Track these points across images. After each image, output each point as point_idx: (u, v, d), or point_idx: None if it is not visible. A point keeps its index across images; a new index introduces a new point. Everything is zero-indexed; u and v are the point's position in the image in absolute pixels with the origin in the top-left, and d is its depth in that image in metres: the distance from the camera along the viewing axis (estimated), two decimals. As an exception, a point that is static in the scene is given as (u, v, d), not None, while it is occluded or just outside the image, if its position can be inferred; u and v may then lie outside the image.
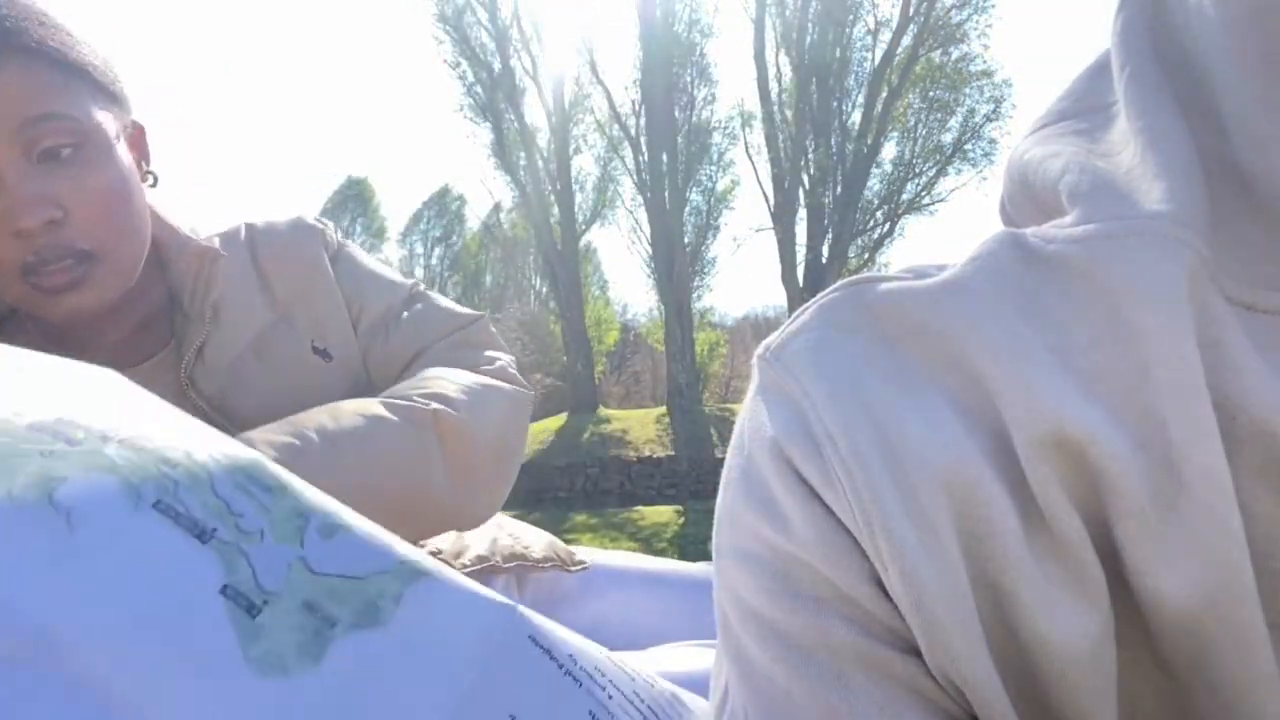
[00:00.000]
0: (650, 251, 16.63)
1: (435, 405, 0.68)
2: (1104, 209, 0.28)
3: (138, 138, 0.71)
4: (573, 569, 0.91)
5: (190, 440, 0.36)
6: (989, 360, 0.28)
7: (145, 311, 0.73)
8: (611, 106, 16.59)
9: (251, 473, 0.36)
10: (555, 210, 17.16)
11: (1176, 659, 0.26)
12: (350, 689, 0.30)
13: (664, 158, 15.82)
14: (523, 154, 16.90)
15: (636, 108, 16.35)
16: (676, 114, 15.85)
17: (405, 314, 0.81)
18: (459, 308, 0.84)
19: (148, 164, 0.71)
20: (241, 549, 0.32)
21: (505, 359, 0.80)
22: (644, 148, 16.18)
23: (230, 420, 0.70)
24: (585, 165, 17.90)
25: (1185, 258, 0.26)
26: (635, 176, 16.76)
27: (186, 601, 0.30)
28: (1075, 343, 0.27)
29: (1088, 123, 0.33)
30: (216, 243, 0.76)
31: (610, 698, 0.37)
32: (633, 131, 16.38)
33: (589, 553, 1.00)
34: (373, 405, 0.67)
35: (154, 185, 0.72)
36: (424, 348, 0.79)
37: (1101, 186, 0.29)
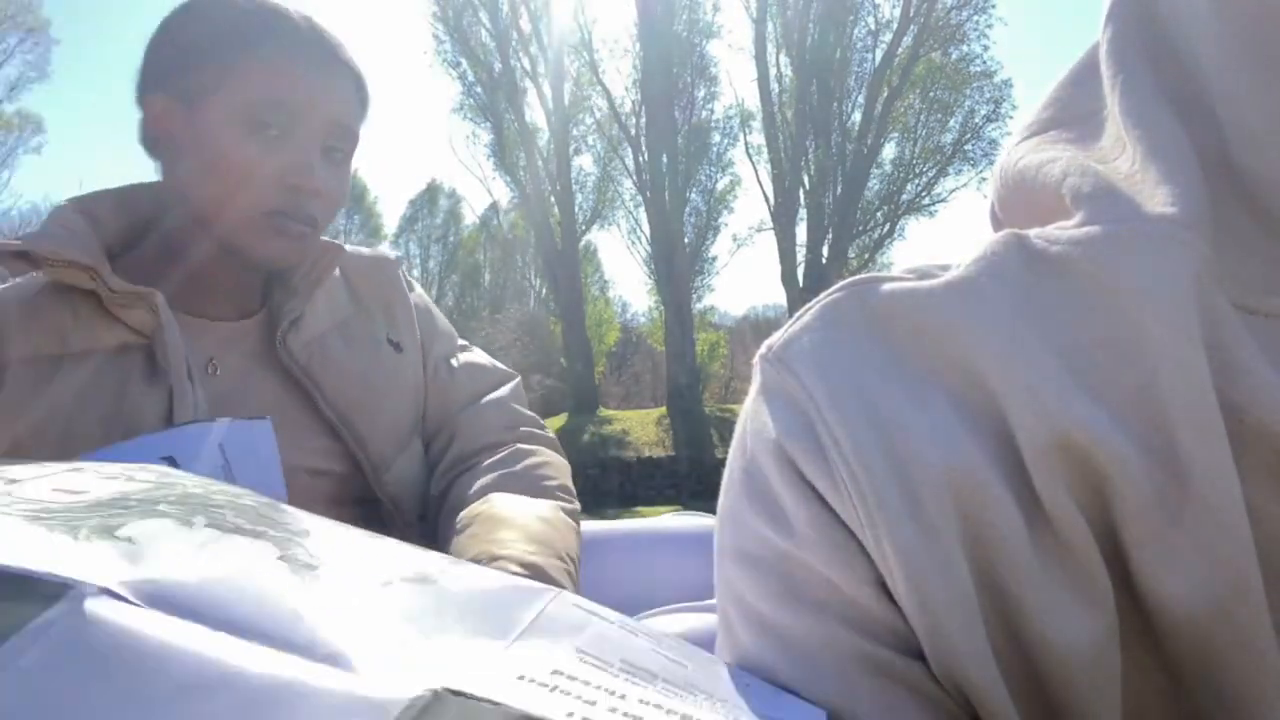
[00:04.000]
0: (650, 252, 16.64)
1: (575, 504, 0.85)
2: (1109, 211, 0.28)
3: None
4: None
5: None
6: (993, 362, 0.27)
7: (259, 281, 0.85)
8: (611, 107, 16.59)
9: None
10: (555, 210, 17.15)
11: (1182, 662, 0.26)
12: None
13: (664, 158, 15.82)
14: (522, 154, 16.90)
15: (636, 108, 16.35)
16: (676, 114, 15.85)
17: (464, 356, 0.96)
18: (497, 362, 0.99)
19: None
20: None
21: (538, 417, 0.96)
22: (644, 148, 16.17)
23: (312, 381, 0.81)
24: (585, 165, 17.90)
25: (1191, 260, 0.26)
26: (635, 177, 16.76)
27: None
28: (1080, 345, 0.27)
29: (1076, 131, 0.33)
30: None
31: None
32: (633, 132, 16.38)
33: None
34: (557, 512, 0.80)
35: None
36: (483, 394, 0.93)
37: (1105, 189, 0.29)
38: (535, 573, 0.69)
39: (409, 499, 0.86)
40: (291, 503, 0.81)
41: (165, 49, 0.77)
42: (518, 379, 0.99)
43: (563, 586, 0.64)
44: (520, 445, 0.88)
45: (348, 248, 0.93)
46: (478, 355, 0.98)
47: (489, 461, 0.86)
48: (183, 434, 0.65)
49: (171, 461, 0.62)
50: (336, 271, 0.89)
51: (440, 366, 0.93)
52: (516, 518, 0.75)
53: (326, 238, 0.90)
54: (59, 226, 0.73)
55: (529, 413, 0.95)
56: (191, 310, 0.79)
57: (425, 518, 0.87)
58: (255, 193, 0.74)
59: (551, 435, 0.94)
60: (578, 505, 0.85)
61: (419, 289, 0.98)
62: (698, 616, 0.82)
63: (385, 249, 1.00)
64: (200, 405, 0.73)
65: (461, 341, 0.99)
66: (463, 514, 0.78)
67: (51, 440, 0.69)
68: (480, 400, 0.93)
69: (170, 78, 0.76)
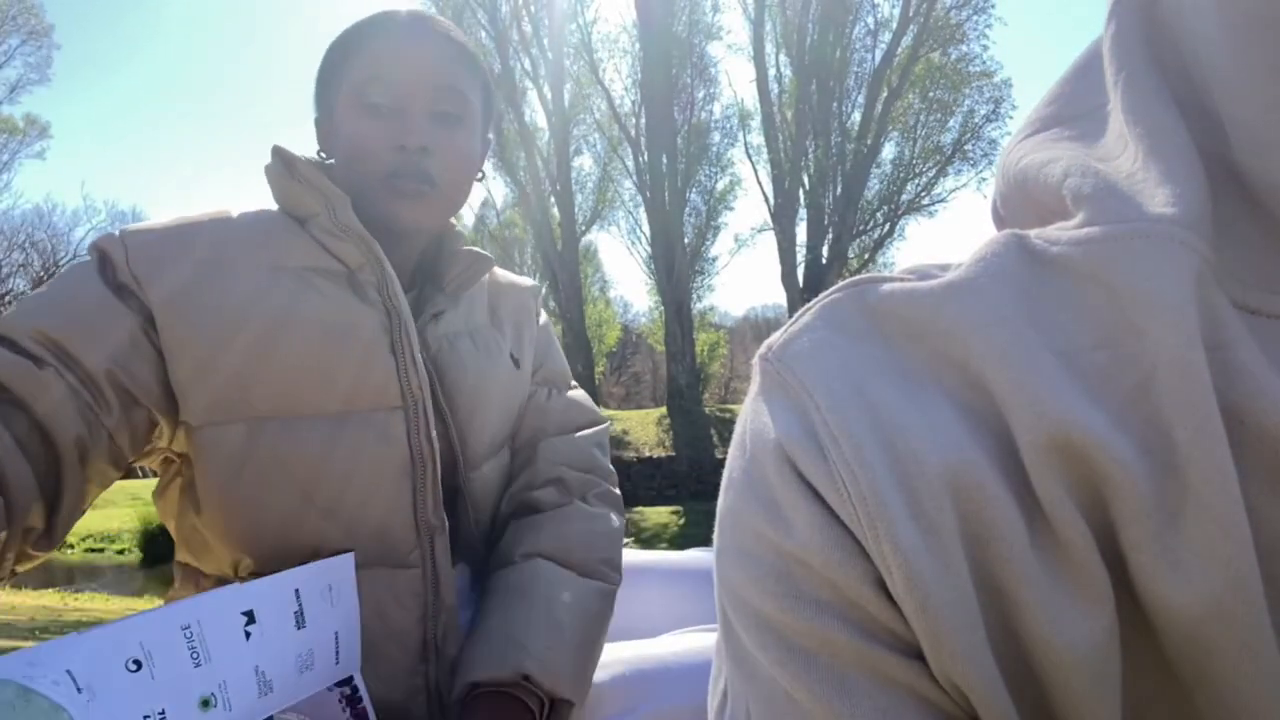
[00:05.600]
0: (650, 252, 16.62)
1: (615, 578, 0.91)
2: (1109, 211, 0.28)
3: (486, 147, 0.95)
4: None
5: None
6: (993, 363, 0.27)
7: (413, 260, 0.92)
8: (611, 107, 16.58)
9: None
10: (555, 210, 17.13)
11: (1182, 664, 0.26)
12: None
13: (664, 158, 15.81)
14: (522, 154, 16.88)
15: (636, 108, 16.34)
16: (676, 114, 15.84)
17: (570, 391, 1.05)
18: (596, 408, 1.07)
19: (482, 164, 0.93)
20: None
21: (613, 471, 1.03)
22: (644, 148, 16.17)
23: (436, 370, 0.87)
24: (585, 165, 17.88)
25: (1192, 261, 0.26)
26: (635, 177, 16.75)
27: None
28: (1080, 346, 0.27)
29: (1078, 128, 0.33)
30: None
31: None
32: (632, 132, 16.37)
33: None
34: (591, 596, 0.86)
35: (481, 179, 0.93)
36: (572, 429, 1.01)
37: (1106, 189, 0.29)
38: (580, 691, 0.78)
39: (486, 502, 0.92)
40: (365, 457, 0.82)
41: (317, 79, 0.89)
42: (606, 424, 1.06)
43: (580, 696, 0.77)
44: (581, 505, 0.94)
45: (498, 269, 1.03)
46: (580, 395, 1.06)
47: (550, 512, 0.92)
48: (259, 585, 0.68)
49: (250, 616, 0.66)
50: (485, 279, 0.99)
51: (542, 391, 1.01)
52: (553, 610, 0.82)
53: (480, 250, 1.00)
54: (311, 159, 0.86)
55: (606, 463, 1.01)
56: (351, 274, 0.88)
57: (494, 524, 0.94)
58: (372, 159, 0.82)
59: (617, 493, 1.00)
60: (617, 579, 0.90)
61: (545, 318, 1.08)
62: (698, 636, 0.90)
63: (526, 278, 1.11)
64: (409, 329, 0.81)
65: (572, 381, 1.08)
66: (504, 571, 0.86)
67: (270, 340, 0.76)
68: (567, 434, 1.00)
69: (319, 100, 0.89)
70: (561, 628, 0.80)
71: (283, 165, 0.84)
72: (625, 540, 0.97)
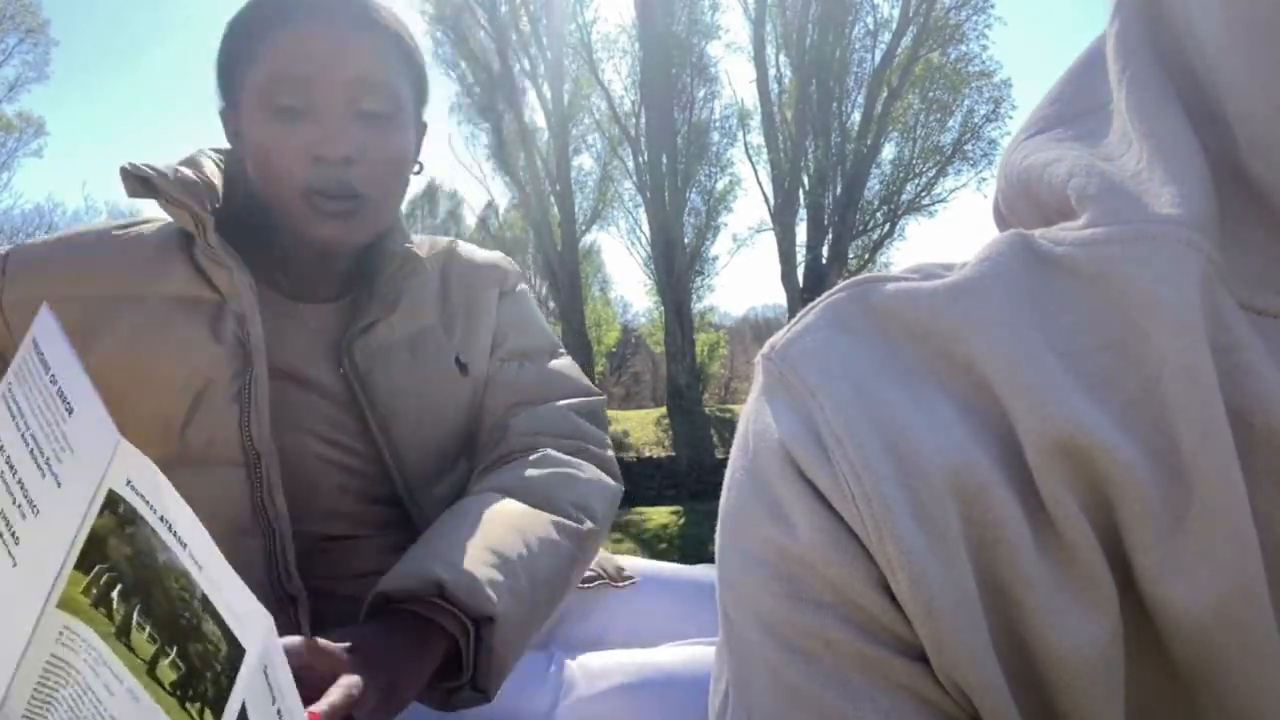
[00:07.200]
0: (650, 252, 16.61)
1: (587, 524, 0.78)
2: (1114, 212, 0.28)
3: (421, 134, 0.84)
4: (620, 585, 0.96)
5: None
6: (997, 364, 0.27)
7: (343, 266, 0.83)
8: (611, 106, 16.57)
9: None
10: (555, 210, 17.13)
11: (1186, 667, 0.26)
12: None
13: (664, 158, 15.80)
14: (522, 154, 16.87)
15: (636, 108, 16.33)
16: (676, 114, 15.83)
17: (551, 361, 0.92)
18: (587, 381, 0.95)
19: (418, 156, 0.83)
20: None
21: (607, 440, 0.91)
22: (644, 148, 16.16)
23: (365, 391, 0.79)
24: (585, 165, 17.88)
25: (1197, 262, 0.26)
26: (635, 177, 16.74)
27: None
28: (1085, 347, 0.27)
29: (1082, 127, 0.32)
30: (425, 248, 0.87)
31: None
32: (632, 132, 16.36)
33: (612, 557, 1.04)
34: (547, 527, 0.74)
35: (418, 173, 0.84)
36: (561, 397, 0.89)
37: (1111, 189, 0.28)
38: (469, 577, 0.65)
39: None
40: (320, 493, 0.76)
41: (217, 63, 0.78)
42: (600, 397, 0.93)
43: (497, 600, 0.63)
44: (555, 454, 0.82)
45: (464, 247, 0.93)
46: (564, 364, 0.93)
47: (515, 461, 0.81)
48: None
49: None
50: (436, 271, 0.88)
51: (510, 365, 0.89)
52: (490, 529, 0.70)
53: (435, 240, 0.90)
54: (182, 173, 0.75)
55: (597, 431, 0.89)
56: (278, 287, 0.80)
57: None
58: (285, 175, 0.72)
59: (610, 456, 0.88)
60: (589, 525, 0.78)
61: (521, 287, 0.95)
62: (699, 648, 0.87)
63: (503, 259, 0.97)
64: (261, 378, 0.72)
65: (560, 350, 0.96)
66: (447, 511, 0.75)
67: (122, 369, 0.70)
68: (548, 403, 0.88)
69: (222, 88, 0.78)
70: (497, 546, 0.68)
71: (141, 187, 0.72)
72: (625, 541, 0.94)
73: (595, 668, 0.82)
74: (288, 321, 0.79)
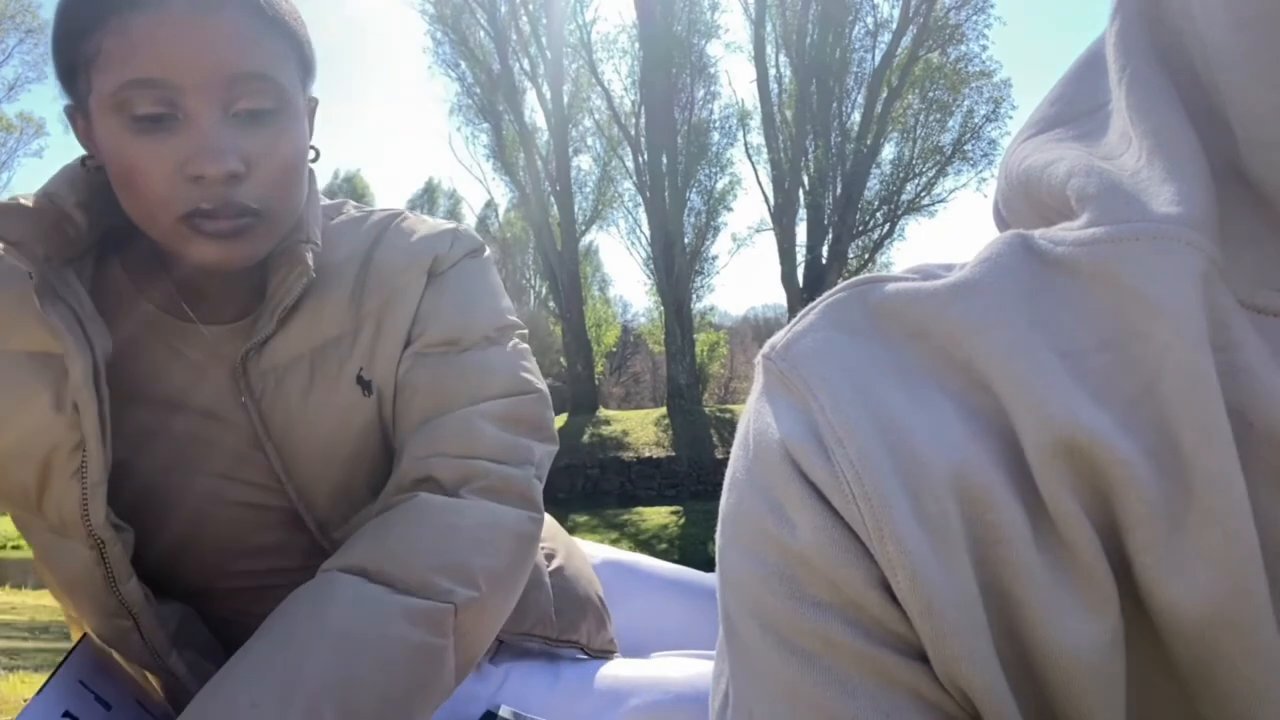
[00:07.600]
0: (650, 252, 16.62)
1: (462, 595, 0.62)
2: (1114, 212, 0.28)
3: (311, 112, 0.71)
4: (591, 656, 0.85)
5: None
6: (997, 364, 0.27)
7: (250, 280, 0.71)
8: (611, 107, 16.58)
9: None
10: (555, 210, 17.14)
11: (1186, 668, 0.26)
12: None
13: (663, 158, 15.81)
14: (522, 154, 16.88)
15: (636, 108, 16.34)
16: (676, 114, 15.84)
17: (483, 351, 0.74)
18: (529, 373, 0.76)
19: (312, 138, 0.70)
20: None
21: (540, 450, 0.74)
22: (643, 148, 16.17)
23: (263, 419, 0.69)
24: (585, 165, 17.88)
25: (1198, 261, 0.26)
26: (635, 177, 16.75)
27: None
28: (1085, 347, 0.27)
29: (1082, 127, 0.32)
30: (350, 234, 0.75)
31: None
32: (632, 132, 16.37)
33: (617, 553, 1.01)
34: (394, 626, 0.59)
35: (315, 160, 0.72)
36: (482, 398, 0.71)
37: (1110, 189, 0.28)
38: None
39: None
40: (242, 540, 0.72)
41: (53, 52, 0.63)
42: (532, 394, 0.74)
43: None
44: (430, 498, 0.66)
45: (408, 222, 0.77)
46: (499, 354, 0.74)
47: (390, 510, 0.66)
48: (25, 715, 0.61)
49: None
50: (355, 265, 0.73)
51: (423, 362, 0.72)
52: (310, 643, 0.57)
53: (374, 211, 0.77)
54: (23, 206, 0.63)
55: (512, 439, 0.71)
56: (178, 312, 0.70)
57: None
58: (157, 199, 0.60)
59: (527, 475, 0.71)
60: (466, 595, 0.62)
61: (462, 264, 0.77)
62: (704, 663, 0.83)
63: (458, 229, 0.79)
64: (94, 459, 0.62)
65: (516, 331, 0.78)
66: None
67: None
68: (455, 410, 0.71)
69: (66, 86, 0.63)
70: (308, 682, 0.54)
71: None
72: (624, 541, 0.91)
73: (603, 686, 0.78)
74: (187, 348, 0.70)
